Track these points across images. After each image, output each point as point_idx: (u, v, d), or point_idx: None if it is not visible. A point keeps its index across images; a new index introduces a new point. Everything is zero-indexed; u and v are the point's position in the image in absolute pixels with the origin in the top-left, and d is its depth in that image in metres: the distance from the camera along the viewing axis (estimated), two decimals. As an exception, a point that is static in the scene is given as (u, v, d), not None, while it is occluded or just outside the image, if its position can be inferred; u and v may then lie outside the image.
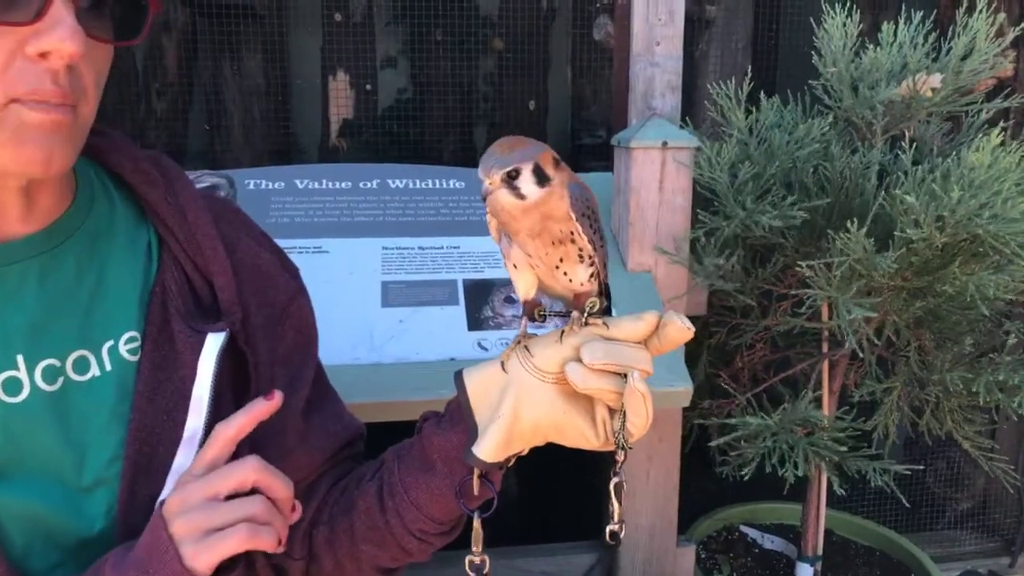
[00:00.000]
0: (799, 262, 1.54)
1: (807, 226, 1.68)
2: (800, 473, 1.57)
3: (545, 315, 0.88)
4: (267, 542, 0.77)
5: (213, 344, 0.87)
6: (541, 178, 0.78)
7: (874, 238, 1.46)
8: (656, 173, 1.72)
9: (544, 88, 2.36)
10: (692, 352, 1.95)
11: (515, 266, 0.85)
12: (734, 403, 1.85)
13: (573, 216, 0.79)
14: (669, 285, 1.75)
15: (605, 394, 0.80)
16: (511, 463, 0.89)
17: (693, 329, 0.81)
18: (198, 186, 1.82)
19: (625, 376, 0.79)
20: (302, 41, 2.23)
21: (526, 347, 0.84)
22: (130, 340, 0.87)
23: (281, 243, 1.72)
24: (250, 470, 0.79)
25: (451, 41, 2.25)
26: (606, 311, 0.87)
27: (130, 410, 0.84)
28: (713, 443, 1.77)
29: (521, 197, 0.77)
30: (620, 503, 0.86)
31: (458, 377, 0.87)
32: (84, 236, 0.87)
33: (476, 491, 0.88)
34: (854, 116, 1.72)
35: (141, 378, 0.85)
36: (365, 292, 1.64)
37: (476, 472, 0.87)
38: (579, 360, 0.80)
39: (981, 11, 1.63)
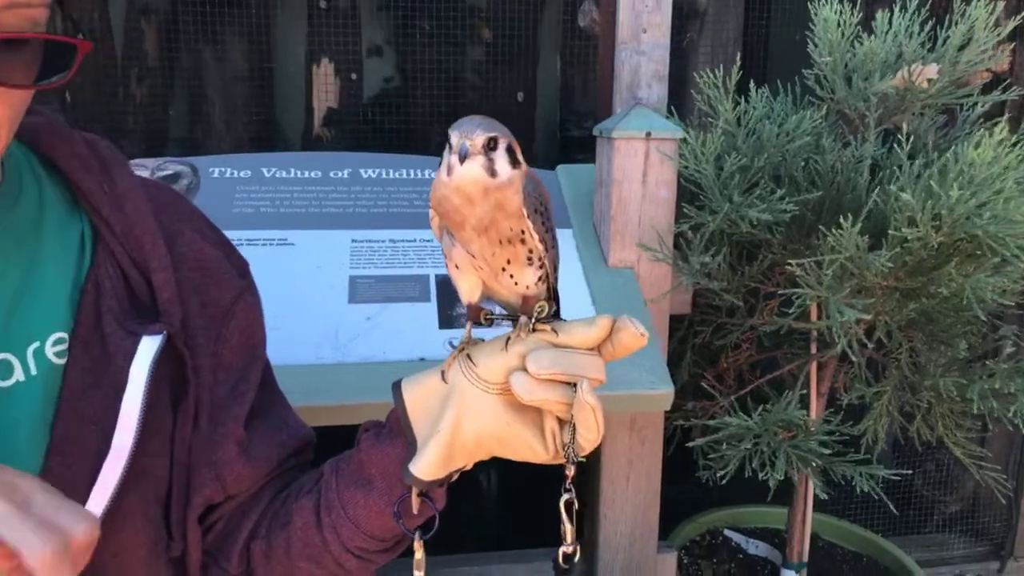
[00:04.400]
0: (788, 260, 1.47)
1: (796, 222, 1.61)
2: (780, 477, 1.50)
3: (492, 319, 0.82)
4: None
5: (148, 349, 0.80)
6: (513, 160, 0.73)
7: (867, 236, 1.39)
8: (639, 165, 1.64)
9: (533, 78, 2.31)
10: (676, 352, 1.88)
11: (457, 267, 0.79)
12: (719, 405, 1.78)
13: (525, 212, 0.73)
14: (652, 282, 1.68)
15: (553, 405, 0.74)
16: (454, 478, 0.83)
17: (647, 335, 0.75)
18: (160, 174, 1.75)
19: (576, 386, 0.74)
20: (286, 28, 2.17)
21: (468, 355, 0.78)
22: (58, 342, 0.80)
23: (244, 234, 1.66)
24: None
25: (438, 30, 2.20)
26: (555, 316, 0.81)
27: (54, 418, 0.77)
28: (691, 444, 1.70)
29: (493, 173, 0.72)
30: (572, 523, 0.80)
31: (396, 387, 0.81)
32: (9, 229, 0.80)
33: (415, 510, 0.81)
34: (847, 108, 1.65)
35: (67, 384, 0.78)
36: (331, 287, 1.55)
37: (415, 490, 0.80)
38: (525, 369, 0.74)
39: (979, -1, 1.56)
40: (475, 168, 0.71)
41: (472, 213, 0.73)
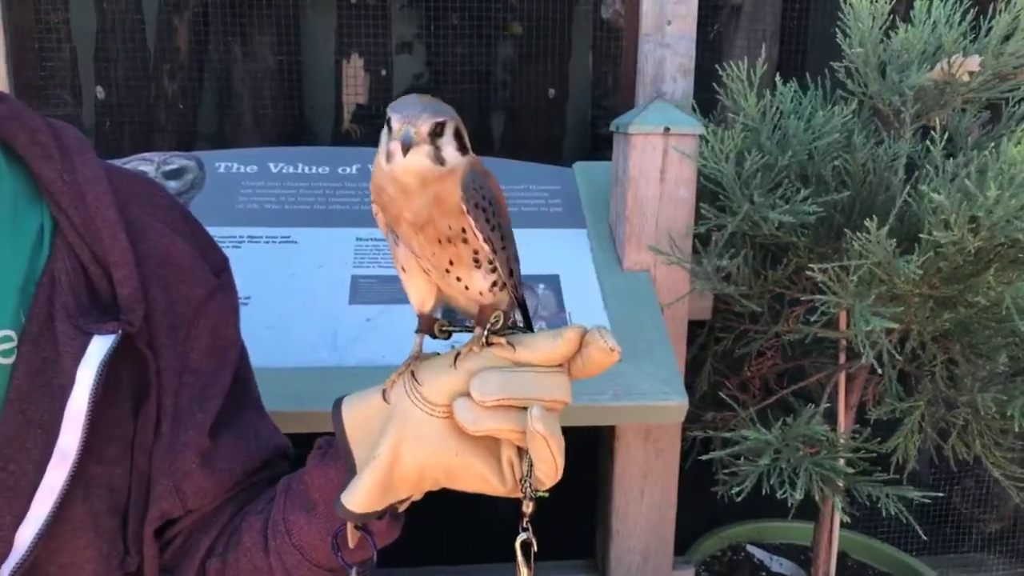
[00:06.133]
0: (811, 264, 1.38)
1: (824, 224, 1.51)
2: (800, 497, 1.41)
3: (448, 331, 0.73)
4: None
5: (97, 349, 0.75)
6: (461, 145, 0.66)
7: (897, 239, 1.29)
8: (657, 162, 1.56)
9: (564, 74, 2.25)
10: (695, 359, 1.80)
11: (404, 269, 0.72)
12: (740, 416, 1.68)
13: (464, 207, 0.65)
14: (669, 286, 1.59)
15: (506, 434, 0.66)
16: (401, 510, 0.75)
17: (618, 350, 0.66)
18: (166, 168, 1.71)
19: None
20: (315, 23, 2.16)
21: (413, 373, 0.70)
22: (4, 340, 0.75)
23: (247, 231, 1.61)
24: None
25: (468, 25, 2.17)
26: (517, 327, 0.73)
27: None
28: (705, 457, 1.61)
29: (441, 162, 0.64)
30: (530, 567, 0.71)
31: (336, 406, 0.74)
32: None
33: (351, 543, 0.74)
34: (880, 103, 1.55)
35: (14, 384, 0.74)
36: (333, 287, 1.50)
37: (351, 522, 0.73)
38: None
39: (1028, -13, 1.45)
40: (419, 159, 0.63)
41: (408, 206, 0.65)
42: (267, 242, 1.57)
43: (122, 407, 0.79)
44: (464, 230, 0.66)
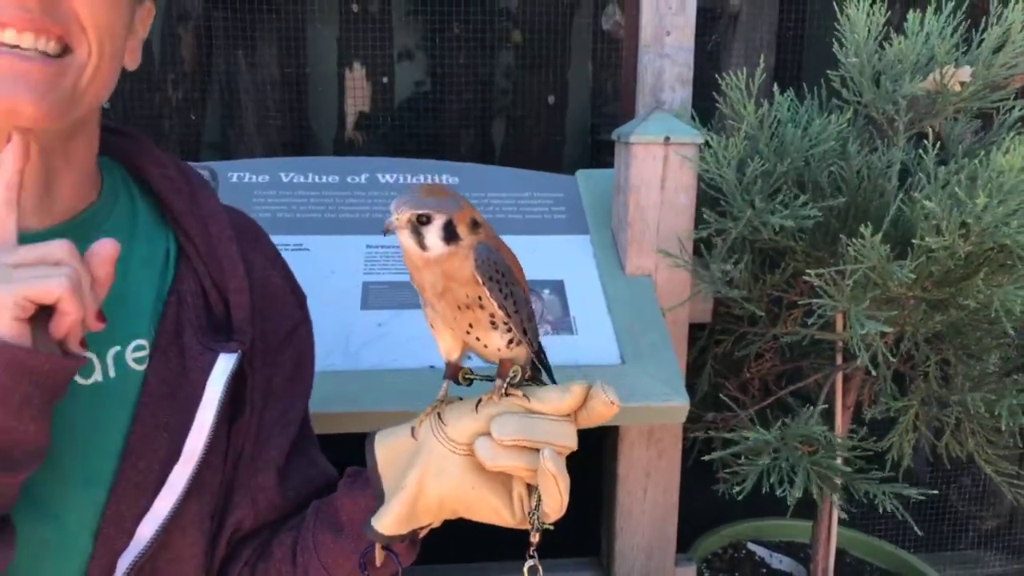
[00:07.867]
0: (808, 269, 1.43)
1: (820, 229, 1.56)
2: (799, 495, 1.45)
3: (471, 378, 0.82)
4: (75, 305, 0.65)
5: (224, 366, 0.84)
6: (450, 235, 0.73)
7: (891, 244, 1.34)
8: (658, 170, 1.61)
9: (564, 82, 2.30)
10: (696, 361, 1.84)
11: (432, 325, 0.80)
12: (739, 417, 1.73)
13: (480, 280, 0.73)
14: (670, 290, 1.64)
15: (519, 471, 0.74)
16: (422, 534, 0.83)
17: (618, 403, 0.74)
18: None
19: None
20: (318, 32, 2.20)
21: (439, 414, 0.78)
22: (137, 348, 0.83)
23: (260, 239, 1.66)
24: (57, 249, 0.66)
25: (469, 34, 2.21)
26: (535, 379, 0.81)
27: (130, 421, 0.81)
28: (707, 458, 1.66)
29: (423, 247, 0.72)
30: None
31: (369, 440, 0.82)
32: (106, 235, 0.83)
33: (378, 562, 0.82)
34: (875, 111, 1.60)
35: (147, 389, 0.82)
36: (345, 293, 1.55)
37: (379, 544, 0.81)
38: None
39: (1017, 1, 1.50)
40: (406, 240, 0.72)
41: (423, 278, 0.74)
42: (280, 250, 1.61)
43: (224, 420, 0.86)
44: (480, 298, 0.74)
